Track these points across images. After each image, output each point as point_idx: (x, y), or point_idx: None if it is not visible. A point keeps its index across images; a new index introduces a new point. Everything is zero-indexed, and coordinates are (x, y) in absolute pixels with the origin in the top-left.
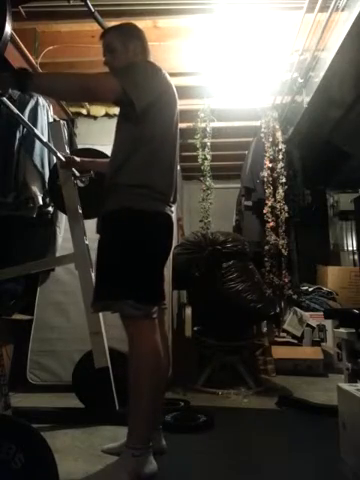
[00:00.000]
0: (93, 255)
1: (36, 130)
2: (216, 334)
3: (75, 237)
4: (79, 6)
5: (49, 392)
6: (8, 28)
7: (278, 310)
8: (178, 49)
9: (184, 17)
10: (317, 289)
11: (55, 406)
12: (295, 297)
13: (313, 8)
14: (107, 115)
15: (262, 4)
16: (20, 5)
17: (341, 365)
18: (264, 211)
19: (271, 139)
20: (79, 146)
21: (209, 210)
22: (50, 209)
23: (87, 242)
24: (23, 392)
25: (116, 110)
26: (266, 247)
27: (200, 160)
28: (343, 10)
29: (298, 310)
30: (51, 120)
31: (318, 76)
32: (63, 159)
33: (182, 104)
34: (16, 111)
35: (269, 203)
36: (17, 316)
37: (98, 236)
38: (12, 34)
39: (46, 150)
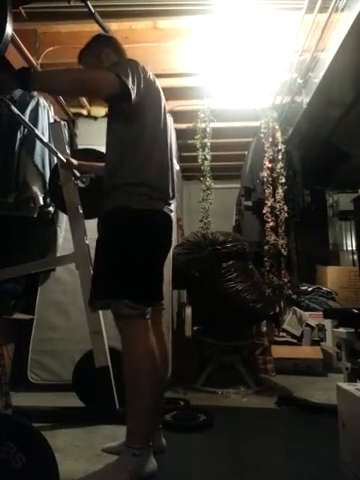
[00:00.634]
0: (93, 255)
1: (37, 130)
2: (216, 334)
3: (76, 237)
4: (79, 7)
5: (49, 391)
6: (9, 29)
7: (277, 310)
8: (178, 50)
9: (184, 18)
10: (316, 289)
11: (55, 405)
12: (294, 297)
13: (313, 9)
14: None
15: (262, 5)
16: (21, 6)
17: (340, 365)
18: (264, 211)
19: (271, 139)
20: (79, 146)
21: (209, 210)
22: (51, 209)
23: (87, 242)
24: (24, 391)
25: None
26: (266, 247)
27: (200, 160)
28: (343, 10)
29: (298, 310)
30: (52, 121)
31: (318, 76)
32: (64, 159)
33: (182, 104)
34: (17, 111)
35: (269, 203)
36: (18, 316)
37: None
38: (13, 35)
39: (47, 150)
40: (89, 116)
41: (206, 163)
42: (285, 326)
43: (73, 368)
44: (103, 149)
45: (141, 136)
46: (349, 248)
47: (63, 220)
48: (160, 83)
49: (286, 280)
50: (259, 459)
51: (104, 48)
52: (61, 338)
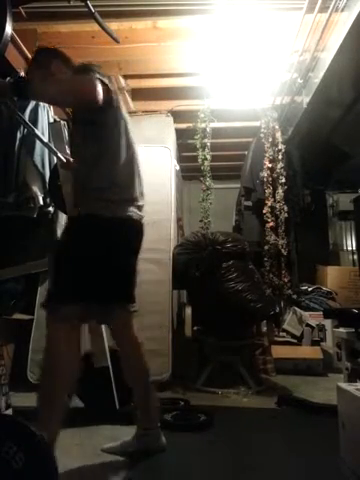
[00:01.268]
0: None
1: (37, 130)
2: (216, 334)
3: None
4: (79, 7)
5: None
6: (8, 28)
7: (278, 310)
8: (178, 50)
9: (184, 18)
10: (316, 289)
11: None
12: (295, 297)
13: (313, 9)
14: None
15: (262, 5)
16: (21, 6)
17: (340, 365)
18: (264, 211)
19: (271, 139)
20: None
21: (209, 210)
22: (51, 209)
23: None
24: (23, 391)
25: None
26: (266, 247)
27: (200, 160)
28: (343, 11)
29: (298, 310)
30: (51, 120)
31: (318, 76)
32: (64, 159)
33: (182, 104)
34: (17, 111)
35: (269, 203)
36: (17, 316)
37: None
38: (12, 34)
39: (46, 150)
40: None
41: (206, 163)
42: (285, 326)
43: None
44: None
45: (105, 143)
46: (349, 248)
47: (63, 220)
48: (160, 83)
49: (286, 280)
50: (259, 459)
51: (53, 59)
52: None
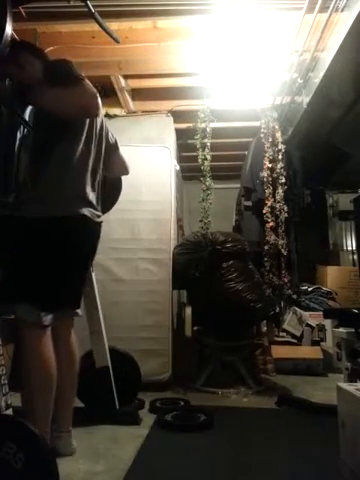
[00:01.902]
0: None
1: None
2: (216, 334)
3: None
4: (79, 7)
5: None
6: (8, 29)
7: (277, 310)
8: (178, 50)
9: (184, 18)
10: (316, 289)
11: None
12: (295, 297)
13: (313, 9)
14: (107, 115)
15: (262, 5)
16: (20, 6)
17: (340, 365)
18: (264, 211)
19: (271, 139)
20: None
21: (209, 210)
22: None
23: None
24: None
25: (116, 111)
26: (266, 247)
27: (200, 160)
28: (343, 11)
29: (298, 310)
30: None
31: (318, 77)
32: None
33: (182, 104)
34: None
35: (269, 203)
36: None
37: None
38: (12, 35)
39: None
40: None
41: (206, 163)
42: (285, 326)
43: None
44: None
45: (59, 145)
46: (349, 248)
47: None
48: (160, 83)
49: (286, 280)
50: (259, 459)
51: (21, 52)
52: None
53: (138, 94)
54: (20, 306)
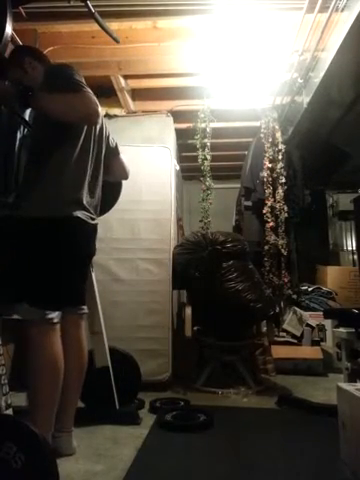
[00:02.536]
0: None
1: None
2: (216, 334)
3: None
4: (79, 7)
5: None
6: (8, 29)
7: (278, 310)
8: (178, 50)
9: (184, 18)
10: (316, 289)
11: None
12: (295, 297)
13: (313, 8)
14: (107, 115)
15: (262, 4)
16: (20, 6)
17: (340, 365)
18: (264, 211)
19: (271, 139)
20: None
21: (209, 210)
22: None
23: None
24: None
25: (116, 111)
26: (266, 247)
27: (200, 160)
28: (343, 10)
29: (298, 310)
30: None
31: (318, 76)
32: None
33: (182, 104)
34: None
35: (269, 203)
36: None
37: (98, 235)
38: (12, 35)
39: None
40: None
41: (206, 163)
42: (285, 326)
43: None
44: None
45: (58, 148)
46: (349, 248)
47: None
48: (160, 83)
49: (286, 280)
50: (259, 459)
51: (25, 57)
52: None
53: (138, 94)
54: (22, 306)
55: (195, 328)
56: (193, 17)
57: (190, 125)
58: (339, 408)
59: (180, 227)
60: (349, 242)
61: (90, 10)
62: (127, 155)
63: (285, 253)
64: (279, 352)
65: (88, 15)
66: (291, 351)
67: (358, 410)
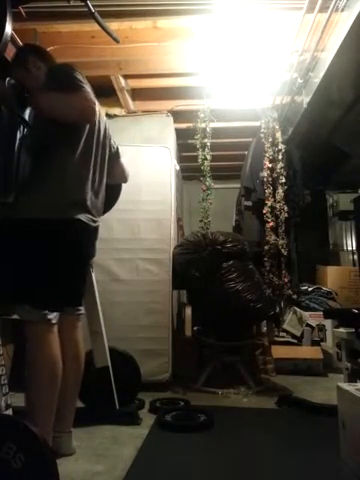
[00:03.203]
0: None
1: None
2: (216, 334)
3: None
4: (79, 7)
5: None
6: (8, 28)
7: (278, 310)
8: (178, 50)
9: (184, 18)
10: (317, 289)
11: None
12: (295, 297)
13: (313, 8)
14: (107, 115)
15: (262, 4)
16: (20, 5)
17: (341, 365)
18: (264, 211)
19: (271, 139)
20: None
21: (209, 210)
22: None
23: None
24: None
25: (116, 111)
26: (266, 247)
27: (200, 160)
28: (343, 10)
29: (298, 310)
30: None
31: (318, 76)
32: None
33: (182, 104)
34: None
35: (269, 203)
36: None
37: (98, 235)
38: (12, 34)
39: None
40: None
41: (206, 163)
42: (285, 326)
43: None
44: None
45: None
46: (349, 248)
47: None
48: (160, 83)
49: (286, 280)
50: (259, 459)
51: (29, 56)
52: None
53: (138, 94)
54: (22, 307)
55: (195, 328)
56: (193, 17)
57: (190, 125)
58: (339, 408)
59: (180, 227)
60: (349, 242)
61: (90, 10)
62: (127, 155)
63: (285, 253)
64: (279, 352)
65: (88, 15)
66: (291, 351)
67: (358, 410)
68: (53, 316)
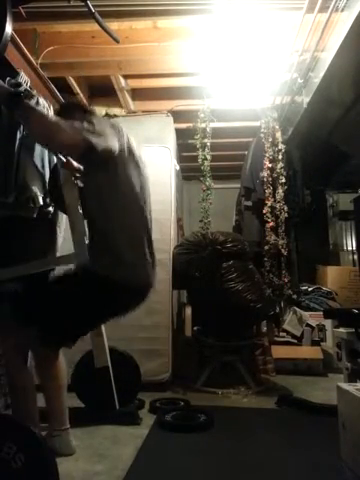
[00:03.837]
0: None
1: None
2: (216, 334)
3: (75, 237)
4: (79, 7)
5: None
6: (8, 28)
7: (278, 310)
8: (178, 49)
9: (184, 18)
10: (317, 289)
11: None
12: (295, 297)
13: (313, 8)
14: (107, 115)
15: (262, 4)
16: (20, 5)
17: (341, 365)
18: (264, 211)
19: (271, 139)
20: None
21: (209, 210)
22: (50, 209)
23: (87, 242)
24: None
25: (116, 111)
26: (266, 247)
27: (200, 160)
28: (343, 10)
29: (298, 310)
30: None
31: (318, 76)
32: (64, 159)
33: (182, 104)
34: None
35: (269, 203)
36: None
37: None
38: (12, 34)
39: (46, 150)
40: None
41: (206, 163)
42: (285, 326)
43: (73, 368)
44: None
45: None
46: (349, 248)
47: (63, 220)
48: (160, 83)
49: (286, 280)
50: (259, 459)
51: (76, 113)
52: None
53: (138, 94)
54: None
55: (195, 328)
56: (193, 17)
57: (190, 125)
58: (339, 408)
59: (180, 227)
60: (349, 242)
61: (90, 10)
62: None
63: (285, 253)
64: (279, 352)
65: (88, 15)
66: (291, 351)
67: (358, 410)
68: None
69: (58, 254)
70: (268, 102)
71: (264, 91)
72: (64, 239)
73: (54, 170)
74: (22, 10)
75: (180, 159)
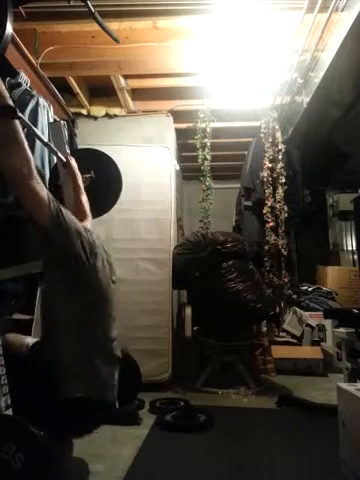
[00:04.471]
0: None
1: (37, 130)
2: (216, 334)
3: None
4: (79, 7)
5: None
6: (9, 28)
7: (278, 310)
8: (178, 50)
9: (184, 18)
10: (317, 289)
11: None
12: (295, 297)
13: (313, 8)
14: (107, 115)
15: (262, 4)
16: (21, 6)
17: (341, 365)
18: (264, 211)
19: (271, 139)
20: (79, 146)
21: (209, 210)
22: None
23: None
24: None
25: (116, 111)
26: (266, 247)
27: (200, 160)
28: (343, 10)
29: (298, 310)
30: (51, 120)
31: (318, 76)
32: (63, 159)
33: (182, 104)
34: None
35: (269, 203)
36: (17, 316)
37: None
38: (12, 34)
39: (46, 150)
40: (89, 116)
41: (206, 163)
42: (285, 326)
43: None
44: (102, 148)
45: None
46: (349, 248)
47: None
48: (160, 83)
49: (286, 280)
50: (259, 459)
51: None
52: None
53: (138, 94)
54: None
55: (195, 328)
56: (193, 17)
57: (190, 125)
58: (339, 408)
59: (180, 227)
60: (349, 242)
61: (90, 10)
62: (127, 155)
63: (285, 253)
64: (279, 352)
65: (88, 15)
66: (291, 351)
67: (358, 410)
68: None
69: None
70: (268, 102)
71: (264, 91)
72: None
73: (54, 170)
74: (22, 10)
75: (180, 159)
